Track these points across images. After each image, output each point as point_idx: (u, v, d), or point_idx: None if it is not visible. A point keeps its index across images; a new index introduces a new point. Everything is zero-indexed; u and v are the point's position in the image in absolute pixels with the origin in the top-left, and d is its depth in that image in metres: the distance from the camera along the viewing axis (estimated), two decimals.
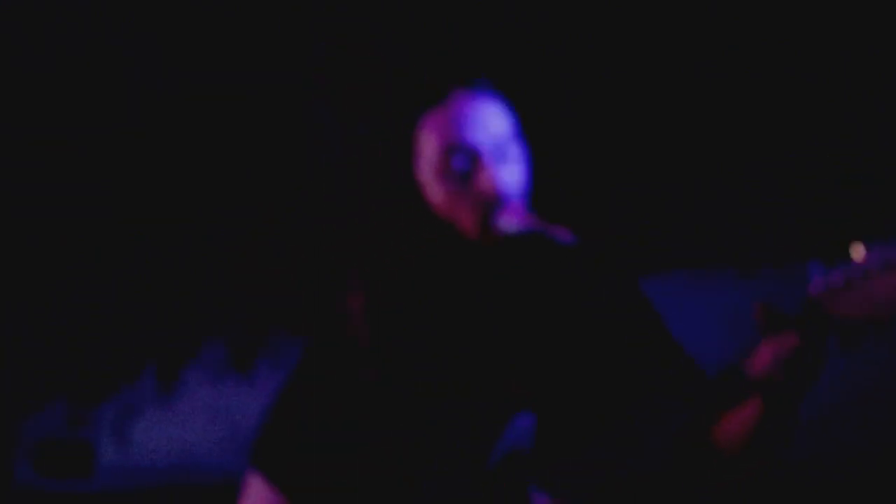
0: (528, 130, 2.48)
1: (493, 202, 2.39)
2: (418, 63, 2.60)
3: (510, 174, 2.38)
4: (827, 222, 3.05)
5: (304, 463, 2.49)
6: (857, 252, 2.24)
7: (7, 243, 4.04)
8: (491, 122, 2.39)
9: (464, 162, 2.39)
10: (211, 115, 3.93)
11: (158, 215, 3.99)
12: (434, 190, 2.41)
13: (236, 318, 3.87)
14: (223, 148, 3.92)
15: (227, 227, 3.87)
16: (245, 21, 3.89)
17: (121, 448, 4.01)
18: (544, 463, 2.37)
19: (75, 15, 3.97)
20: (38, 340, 4.03)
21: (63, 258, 4.03)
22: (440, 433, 2.41)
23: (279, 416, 2.51)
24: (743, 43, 3.29)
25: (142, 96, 3.99)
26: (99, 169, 4.03)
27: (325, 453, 2.47)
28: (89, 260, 4.02)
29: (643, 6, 3.39)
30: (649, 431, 2.41)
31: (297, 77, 3.80)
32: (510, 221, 2.37)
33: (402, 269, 2.47)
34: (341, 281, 2.52)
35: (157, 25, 4.01)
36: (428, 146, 2.40)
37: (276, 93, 3.85)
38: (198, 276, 3.91)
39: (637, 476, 2.42)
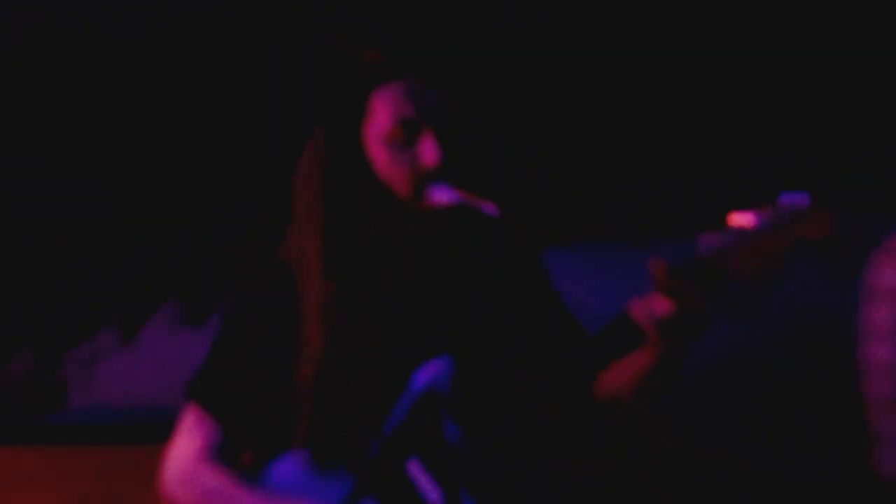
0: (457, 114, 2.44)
1: (426, 172, 2.36)
2: (379, 40, 2.54)
3: (444, 150, 2.35)
4: (720, 195, 3.02)
5: (235, 395, 2.42)
6: (742, 217, 2.21)
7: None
8: (435, 104, 2.36)
9: (408, 134, 2.35)
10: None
11: (131, 197, 3.90)
12: (377, 154, 2.38)
13: (192, 278, 3.79)
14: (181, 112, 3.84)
15: (185, 199, 3.81)
16: None
17: (88, 388, 3.92)
18: (460, 400, 2.32)
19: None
20: (22, 297, 3.93)
21: (49, 240, 3.93)
22: (364, 372, 2.35)
23: (214, 354, 2.44)
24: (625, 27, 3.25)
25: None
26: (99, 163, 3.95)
27: (254, 389, 2.40)
28: (71, 239, 3.93)
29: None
30: (547, 374, 2.38)
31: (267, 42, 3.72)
32: (441, 194, 2.34)
33: (345, 221, 2.41)
34: (289, 231, 2.44)
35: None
36: (379, 115, 2.37)
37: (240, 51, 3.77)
38: (159, 242, 3.84)
39: (537, 412, 2.39)
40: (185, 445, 2.41)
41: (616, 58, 3.24)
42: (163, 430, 2.54)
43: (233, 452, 2.43)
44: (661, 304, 2.23)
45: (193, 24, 3.76)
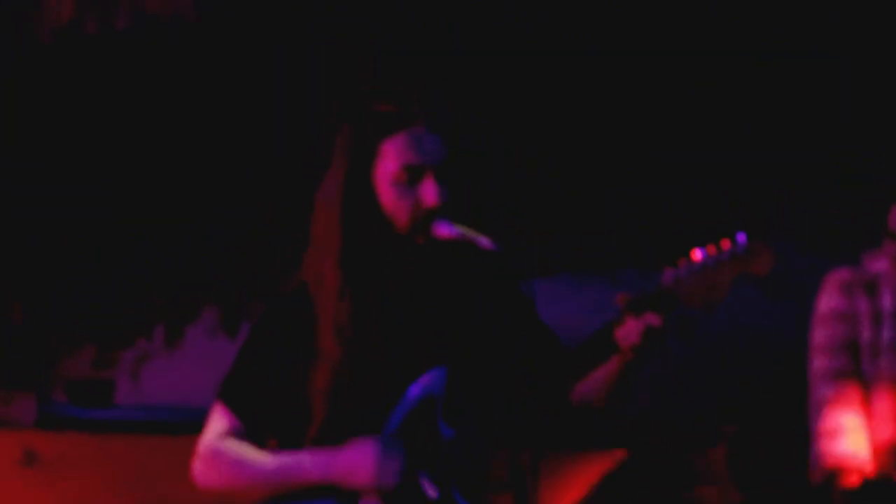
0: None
1: (427, 211, 2.49)
2: (389, 94, 2.67)
3: (442, 191, 2.48)
4: (678, 234, 3.14)
5: (256, 397, 2.54)
6: (695, 255, 2.36)
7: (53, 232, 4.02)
8: (436, 150, 2.50)
9: (411, 177, 2.49)
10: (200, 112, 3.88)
11: (174, 214, 3.95)
12: (385, 193, 2.52)
13: (228, 290, 3.87)
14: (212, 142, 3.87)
15: (226, 220, 3.86)
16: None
17: (135, 387, 3.99)
18: (454, 406, 2.44)
19: None
20: (76, 302, 4.01)
21: (108, 254, 3.99)
22: (370, 380, 2.48)
23: (240, 360, 2.57)
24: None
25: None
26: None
27: (273, 392, 2.53)
28: (127, 245, 3.99)
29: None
30: (530, 382, 2.49)
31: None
32: (442, 229, 2.47)
33: (357, 250, 2.54)
34: (310, 256, 2.58)
35: None
36: (388, 160, 2.52)
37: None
38: (201, 258, 3.90)
39: (520, 415, 2.49)
40: (211, 429, 2.54)
41: (594, 108, 3.33)
42: (201, 425, 2.67)
43: (252, 444, 2.57)
44: (629, 326, 2.39)
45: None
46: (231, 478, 2.53)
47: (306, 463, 2.47)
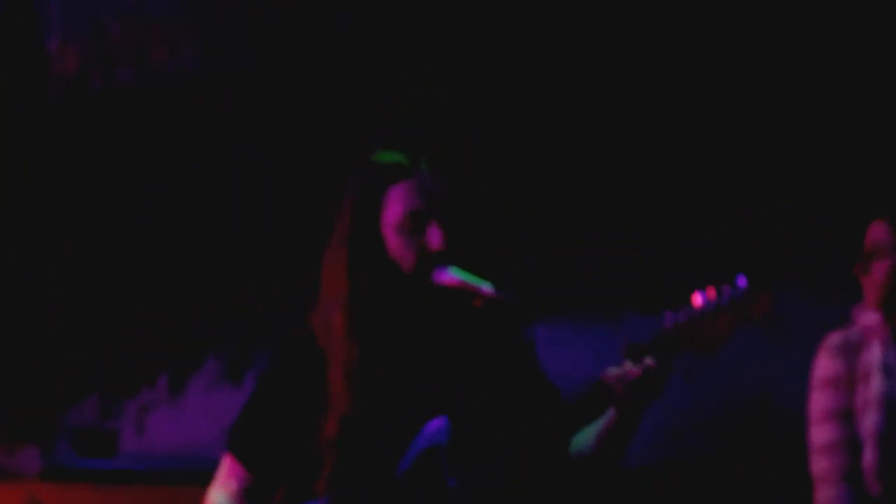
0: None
1: (432, 255, 2.52)
2: (392, 144, 2.70)
3: (446, 236, 2.51)
4: (678, 279, 3.15)
5: (265, 447, 2.56)
6: (696, 300, 2.38)
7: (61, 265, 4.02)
8: (441, 198, 2.53)
9: (416, 223, 2.52)
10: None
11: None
12: (391, 239, 2.55)
13: (231, 339, 3.87)
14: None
15: (230, 270, 3.87)
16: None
17: (139, 437, 3.98)
18: (457, 456, 2.45)
19: None
20: (76, 352, 4.02)
21: (110, 293, 4.00)
22: (380, 427, 2.49)
23: (248, 410, 2.59)
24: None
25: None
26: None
27: (282, 441, 2.54)
28: (130, 295, 3.99)
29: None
30: (530, 435, 2.49)
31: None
32: (444, 275, 2.50)
33: (365, 297, 2.56)
34: (318, 304, 2.60)
35: None
36: (393, 206, 2.54)
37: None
38: (201, 307, 3.91)
39: (521, 465, 2.49)
40: (220, 489, 2.56)
41: (597, 151, 3.35)
42: (205, 475, 2.68)
43: (262, 497, 2.58)
44: (631, 372, 2.40)
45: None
46: None
47: None
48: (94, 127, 3.99)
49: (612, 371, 2.44)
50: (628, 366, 2.43)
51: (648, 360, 2.39)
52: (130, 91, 3.94)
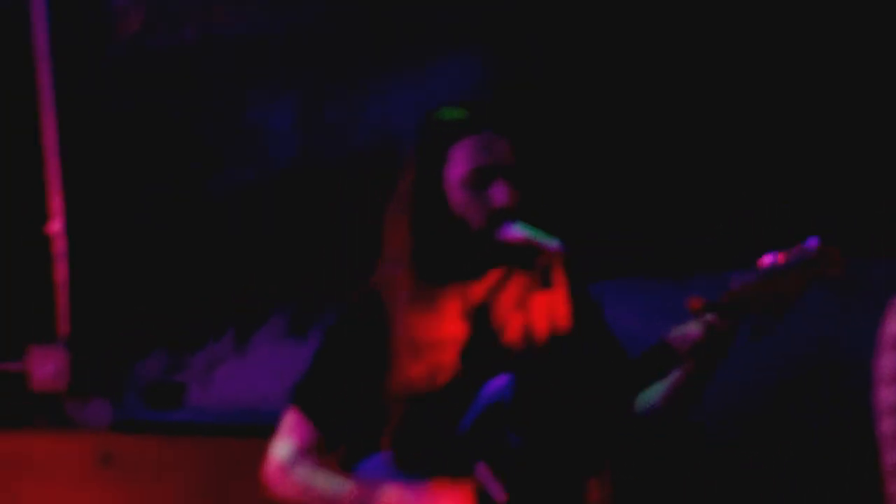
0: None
1: (498, 211, 2.51)
2: (459, 100, 2.68)
3: (512, 192, 2.50)
4: (743, 239, 3.12)
5: (331, 402, 2.58)
6: (764, 260, 2.35)
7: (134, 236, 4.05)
8: (505, 154, 2.51)
9: (482, 179, 2.51)
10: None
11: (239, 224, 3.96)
12: (456, 196, 2.54)
13: (296, 295, 3.89)
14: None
15: (295, 226, 3.88)
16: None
17: (205, 390, 4.03)
18: (521, 413, 2.45)
19: None
20: (144, 307, 4.05)
21: (176, 249, 4.02)
22: (443, 386, 2.50)
23: (314, 367, 2.61)
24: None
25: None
26: None
27: (347, 397, 2.56)
28: (196, 251, 4.02)
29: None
30: (596, 392, 2.49)
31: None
32: (511, 231, 2.49)
33: (430, 256, 2.56)
34: (382, 261, 2.60)
35: None
36: (458, 163, 2.54)
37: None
38: (270, 263, 3.93)
39: (590, 424, 2.49)
40: (285, 443, 2.59)
41: (662, 103, 3.32)
42: (269, 428, 2.71)
43: (326, 451, 2.61)
44: (695, 332, 2.38)
45: None
46: (300, 497, 2.57)
47: (383, 489, 2.48)
48: (156, 85, 4.00)
49: (677, 331, 2.43)
50: (693, 326, 2.41)
51: (710, 318, 2.37)
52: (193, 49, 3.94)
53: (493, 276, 2.60)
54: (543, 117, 3.34)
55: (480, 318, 2.60)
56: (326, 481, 2.55)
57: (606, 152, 3.33)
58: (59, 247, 4.04)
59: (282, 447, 2.63)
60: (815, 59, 3.20)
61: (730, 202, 3.19)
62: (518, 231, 2.53)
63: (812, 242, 2.35)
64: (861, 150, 3.15)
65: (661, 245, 3.22)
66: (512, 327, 2.58)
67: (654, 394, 2.50)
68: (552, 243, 2.52)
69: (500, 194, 2.55)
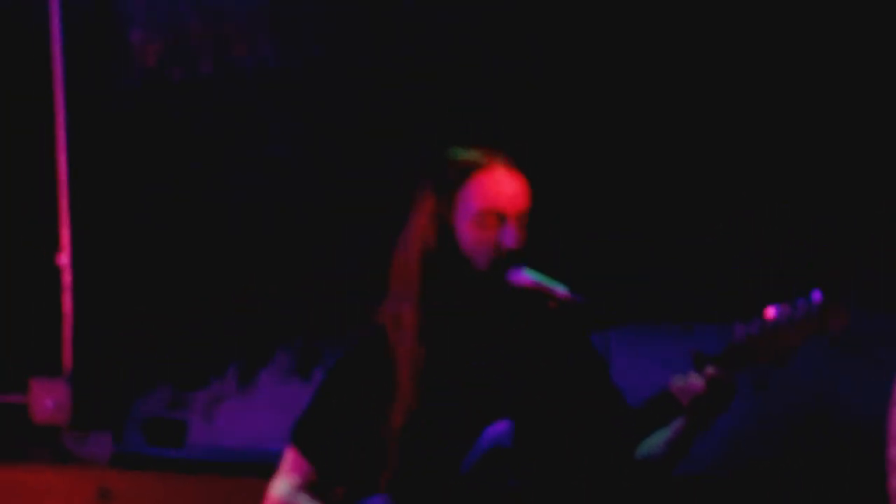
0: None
1: (506, 253, 2.51)
2: (471, 137, 2.69)
3: (521, 235, 2.51)
4: (749, 290, 3.12)
5: (330, 441, 2.57)
6: (768, 312, 2.35)
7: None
8: (517, 196, 2.52)
9: (493, 220, 2.51)
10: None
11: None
12: (466, 234, 2.54)
13: (301, 333, 3.89)
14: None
15: (300, 263, 3.88)
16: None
17: (207, 427, 4.02)
18: (520, 459, 2.44)
19: None
20: (148, 342, 4.05)
21: (180, 285, 4.03)
22: (444, 426, 2.49)
23: (315, 405, 2.60)
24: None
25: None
26: None
27: (347, 436, 2.55)
28: (200, 287, 4.02)
29: None
30: (596, 441, 2.48)
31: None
32: (518, 275, 2.49)
33: (436, 294, 2.56)
34: (388, 298, 2.60)
35: None
36: (469, 200, 2.54)
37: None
38: (274, 301, 3.92)
39: (589, 472, 2.48)
40: (285, 481, 2.58)
41: (664, 146, 3.31)
42: (271, 468, 2.70)
43: (324, 491, 2.60)
44: (697, 384, 2.38)
45: None
46: None
47: None
48: (176, 116, 4.02)
49: (680, 380, 2.43)
50: (695, 377, 2.42)
51: (712, 371, 2.37)
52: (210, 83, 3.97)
53: (500, 317, 2.60)
54: (556, 164, 3.33)
55: (484, 358, 2.60)
56: None
57: (616, 201, 3.33)
58: (66, 279, 4.06)
59: (281, 485, 2.63)
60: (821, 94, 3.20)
61: (731, 253, 3.19)
62: (527, 276, 2.54)
63: (816, 296, 2.36)
64: (864, 184, 3.14)
65: (668, 293, 3.22)
66: (515, 369, 2.58)
67: (655, 442, 2.50)
68: (560, 289, 2.52)
69: (509, 237, 2.55)
